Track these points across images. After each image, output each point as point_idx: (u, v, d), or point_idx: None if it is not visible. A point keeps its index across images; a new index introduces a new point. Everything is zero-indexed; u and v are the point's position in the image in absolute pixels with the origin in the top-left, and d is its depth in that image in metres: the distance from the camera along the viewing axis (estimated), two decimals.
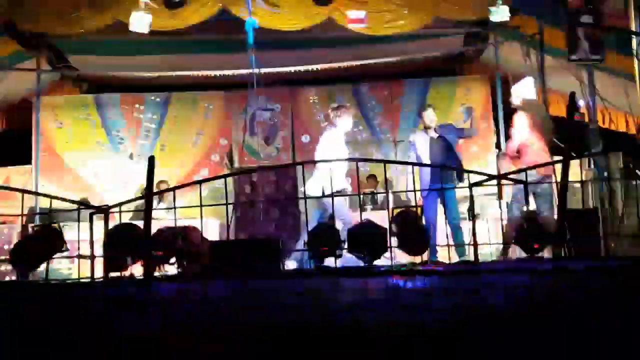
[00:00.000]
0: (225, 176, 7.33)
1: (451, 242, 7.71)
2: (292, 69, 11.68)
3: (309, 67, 11.70)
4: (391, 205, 8.57)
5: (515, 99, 7.97)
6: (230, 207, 7.41)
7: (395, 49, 11.13)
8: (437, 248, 7.94)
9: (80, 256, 6.64)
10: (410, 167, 8.55)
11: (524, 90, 7.97)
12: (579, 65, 9.05)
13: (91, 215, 6.48)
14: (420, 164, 8.17)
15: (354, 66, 11.68)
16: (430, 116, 8.40)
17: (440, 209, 8.27)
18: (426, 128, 8.42)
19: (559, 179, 6.24)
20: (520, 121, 7.85)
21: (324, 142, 8.34)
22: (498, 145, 11.55)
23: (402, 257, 7.39)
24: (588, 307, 3.24)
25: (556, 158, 7.57)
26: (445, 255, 7.86)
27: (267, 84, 10.54)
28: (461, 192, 8.29)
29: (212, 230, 9.59)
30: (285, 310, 3.53)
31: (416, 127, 10.10)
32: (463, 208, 8.90)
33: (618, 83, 9.02)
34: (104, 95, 12.32)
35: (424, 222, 7.37)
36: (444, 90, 12.17)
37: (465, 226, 8.14)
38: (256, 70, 8.22)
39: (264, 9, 8.96)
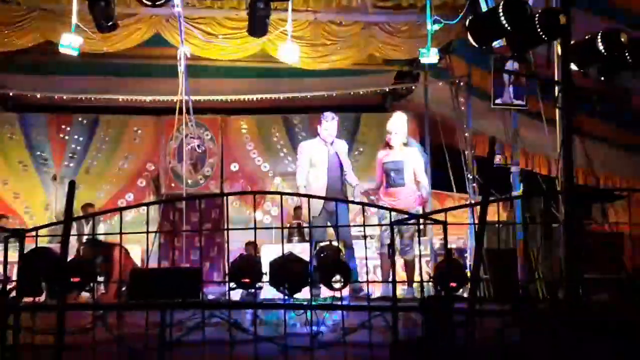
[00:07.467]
0: (148, 204, 7.23)
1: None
2: (223, 97, 11.69)
3: (241, 97, 11.73)
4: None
5: (394, 137, 7.62)
6: (152, 235, 7.26)
7: (328, 83, 11.26)
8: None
9: None
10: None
11: (396, 124, 7.65)
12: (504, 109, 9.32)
13: (6, 238, 6.27)
14: (362, 203, 7.56)
15: (286, 98, 11.76)
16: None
17: None
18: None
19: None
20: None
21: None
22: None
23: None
24: None
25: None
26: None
27: (199, 111, 10.50)
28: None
29: (135, 257, 9.43)
30: None
31: None
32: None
33: (540, 128, 9.28)
34: (29, 115, 12.03)
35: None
36: (374, 124, 12.30)
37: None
38: (186, 97, 8.16)
39: (198, 37, 8.93)
